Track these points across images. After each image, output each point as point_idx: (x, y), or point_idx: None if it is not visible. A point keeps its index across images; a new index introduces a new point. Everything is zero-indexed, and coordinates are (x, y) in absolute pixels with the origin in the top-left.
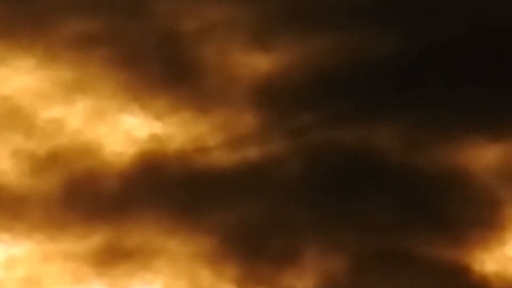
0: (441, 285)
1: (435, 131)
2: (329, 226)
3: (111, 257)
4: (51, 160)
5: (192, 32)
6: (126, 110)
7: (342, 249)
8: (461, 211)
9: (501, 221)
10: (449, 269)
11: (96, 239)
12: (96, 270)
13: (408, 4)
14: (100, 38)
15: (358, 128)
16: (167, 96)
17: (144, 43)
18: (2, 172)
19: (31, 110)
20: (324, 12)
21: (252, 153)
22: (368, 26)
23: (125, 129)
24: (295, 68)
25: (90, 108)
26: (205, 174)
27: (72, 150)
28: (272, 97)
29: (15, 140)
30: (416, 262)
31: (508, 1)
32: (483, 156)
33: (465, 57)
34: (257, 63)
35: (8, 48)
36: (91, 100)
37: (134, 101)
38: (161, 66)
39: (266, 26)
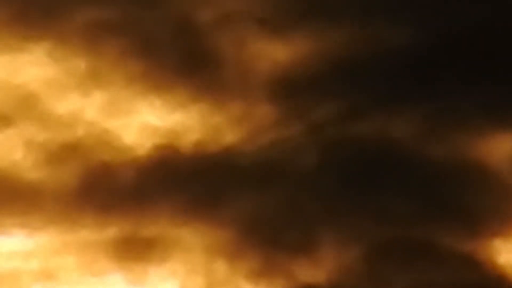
0: (458, 275)
1: (452, 122)
2: (346, 218)
3: (127, 249)
4: (67, 151)
5: (209, 22)
6: (142, 100)
7: (358, 241)
8: (479, 201)
9: None
10: (466, 260)
11: (112, 230)
12: (112, 262)
13: None
14: (116, 27)
15: (375, 119)
16: (184, 87)
17: (160, 32)
18: (17, 163)
19: (46, 100)
20: (341, 3)
21: (269, 144)
22: (385, 17)
23: (141, 120)
24: (312, 60)
25: (105, 98)
26: (221, 165)
27: (88, 141)
28: (290, 89)
29: (30, 131)
30: (433, 253)
31: None
32: (501, 147)
33: (481, 47)
34: (275, 54)
35: (22, 37)
36: (107, 90)
37: (150, 91)
38: (178, 56)
39: (284, 17)
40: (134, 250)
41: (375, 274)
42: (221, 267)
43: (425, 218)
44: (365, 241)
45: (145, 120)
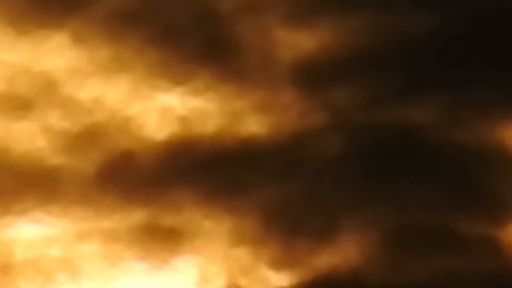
0: (479, 261)
1: (475, 109)
2: (368, 205)
3: (147, 237)
4: (88, 138)
5: (231, 9)
6: (164, 88)
7: (380, 228)
8: (500, 187)
9: None
10: (487, 245)
11: (132, 218)
12: (132, 250)
13: None
14: (138, 15)
15: (398, 107)
16: (206, 74)
17: (182, 20)
18: (37, 150)
19: (68, 87)
20: None
21: (291, 132)
22: (408, 4)
23: (162, 107)
24: (335, 47)
25: (127, 85)
26: (243, 153)
27: (109, 128)
28: (312, 77)
29: (51, 118)
30: (454, 239)
31: None
32: None
33: (504, 34)
34: (297, 41)
35: (43, 24)
36: (129, 77)
37: (172, 79)
38: (200, 44)
39: (306, 4)
40: (155, 238)
41: (397, 262)
42: (242, 256)
43: (447, 204)
44: (386, 228)
45: (167, 107)
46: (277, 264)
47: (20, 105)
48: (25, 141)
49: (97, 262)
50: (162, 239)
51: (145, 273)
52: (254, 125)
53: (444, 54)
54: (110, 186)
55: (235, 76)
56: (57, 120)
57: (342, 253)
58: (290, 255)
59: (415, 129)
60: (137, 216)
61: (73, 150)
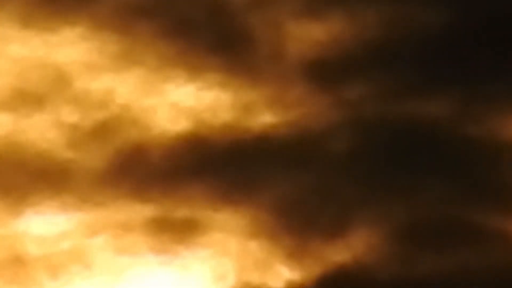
0: (494, 255)
1: (488, 102)
2: (381, 199)
3: (159, 230)
4: (99, 132)
5: (243, 3)
6: (176, 81)
7: (393, 222)
8: None
9: None
10: (502, 239)
11: (145, 211)
12: (143, 243)
13: None
14: (149, 8)
15: (410, 100)
16: (218, 67)
17: (194, 13)
18: (49, 143)
19: (79, 81)
20: None
21: (303, 125)
22: None
23: (174, 100)
24: (347, 40)
25: (139, 79)
26: (255, 147)
27: (121, 122)
28: (324, 69)
29: (63, 112)
30: (469, 233)
31: None
32: None
33: None
34: (309, 34)
35: (54, 17)
36: (140, 71)
37: (183, 72)
38: (212, 37)
39: None
40: (168, 232)
41: (409, 256)
42: (255, 250)
43: (459, 197)
44: (399, 222)
45: (178, 101)
46: (290, 258)
47: (32, 100)
48: (37, 136)
49: (109, 256)
50: (174, 233)
51: (157, 266)
52: (266, 119)
53: (457, 48)
54: (122, 179)
55: (247, 69)
56: (68, 114)
57: (355, 247)
58: (302, 249)
59: (428, 123)
60: (149, 209)
61: (85, 144)
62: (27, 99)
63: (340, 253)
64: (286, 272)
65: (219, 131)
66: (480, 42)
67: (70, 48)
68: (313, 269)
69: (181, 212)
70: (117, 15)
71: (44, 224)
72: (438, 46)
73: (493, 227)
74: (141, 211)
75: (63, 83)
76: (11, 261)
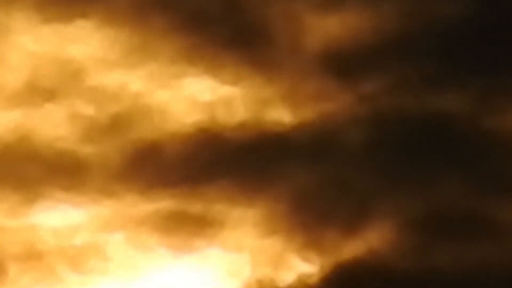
0: (510, 248)
1: (506, 95)
2: (398, 193)
3: (173, 225)
4: (113, 126)
5: None
6: (190, 75)
7: (410, 216)
8: None
9: None
10: None
11: (158, 206)
12: (157, 237)
13: None
14: (164, 1)
15: (429, 93)
16: (233, 61)
17: (209, 6)
18: (62, 138)
19: (92, 75)
20: None
21: (319, 118)
22: None
23: (188, 94)
24: (364, 33)
25: (153, 73)
26: (271, 141)
27: (134, 115)
28: (341, 63)
29: (76, 105)
30: (486, 226)
31: None
32: None
33: None
34: (326, 28)
35: (68, 11)
36: (154, 65)
37: (198, 66)
38: (227, 30)
39: None
40: (180, 226)
41: (426, 249)
42: (270, 244)
43: (477, 191)
44: (416, 216)
45: (193, 95)
46: (305, 253)
47: (45, 93)
48: (51, 129)
49: (123, 250)
50: (189, 228)
51: (172, 261)
52: (282, 113)
53: (475, 41)
54: (136, 173)
55: (263, 63)
56: (82, 108)
57: (371, 240)
58: (318, 243)
59: (446, 115)
60: (162, 203)
61: (99, 138)
62: (40, 92)
63: (356, 246)
64: (301, 267)
65: (235, 125)
66: (498, 34)
67: (84, 42)
68: (329, 263)
69: (196, 207)
70: (131, 9)
71: (59, 218)
72: (456, 38)
73: (509, 220)
74: (156, 205)
75: (76, 76)
76: (27, 254)
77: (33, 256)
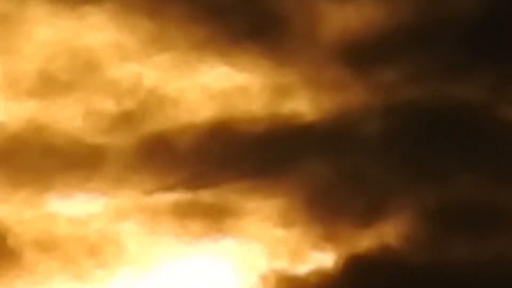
0: None
1: None
2: (414, 184)
3: (188, 215)
4: (128, 117)
5: None
6: (207, 65)
7: (426, 208)
8: None
9: None
10: None
11: (173, 196)
12: (171, 227)
13: None
14: None
15: (445, 83)
16: (250, 51)
17: None
18: (77, 129)
19: (108, 64)
20: None
21: (336, 108)
22: None
23: (205, 84)
24: (382, 22)
25: (169, 63)
26: (286, 130)
27: (149, 106)
28: (358, 52)
29: (91, 96)
30: (503, 219)
31: None
32: None
33: None
34: (344, 16)
35: (83, 1)
36: (170, 55)
37: (214, 55)
38: (244, 18)
39: None
40: (197, 218)
41: (442, 242)
42: (286, 236)
43: (494, 182)
44: (432, 208)
45: (210, 85)
46: (322, 244)
47: (60, 84)
48: (66, 121)
49: (138, 239)
50: (204, 219)
51: (186, 252)
52: (298, 103)
53: (493, 31)
54: (151, 164)
55: (279, 53)
56: (97, 98)
57: (388, 233)
58: (335, 235)
59: (463, 106)
60: (176, 194)
61: (114, 129)
62: (55, 83)
63: (373, 238)
64: (318, 259)
65: (251, 115)
66: None
67: (99, 32)
68: (346, 255)
69: (211, 198)
70: None
71: (74, 207)
72: (473, 28)
73: None
74: (171, 195)
75: (92, 67)
76: (43, 243)
77: (49, 245)
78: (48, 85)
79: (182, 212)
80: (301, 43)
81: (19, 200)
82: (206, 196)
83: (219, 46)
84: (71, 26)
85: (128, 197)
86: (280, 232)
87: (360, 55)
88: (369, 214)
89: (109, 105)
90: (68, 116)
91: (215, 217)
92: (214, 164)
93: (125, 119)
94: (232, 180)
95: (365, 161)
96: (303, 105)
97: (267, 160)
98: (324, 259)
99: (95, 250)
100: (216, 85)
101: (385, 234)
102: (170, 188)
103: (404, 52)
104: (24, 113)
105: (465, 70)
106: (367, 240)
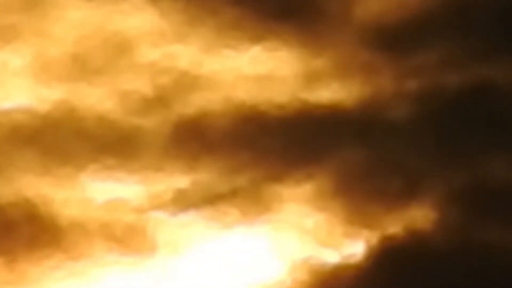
0: None
1: None
2: (445, 169)
3: (221, 201)
4: (160, 100)
5: None
6: (238, 48)
7: (457, 192)
8: None
9: None
10: None
11: (204, 182)
12: (205, 213)
13: None
14: None
15: (476, 67)
16: (281, 33)
17: None
18: (110, 111)
19: (139, 47)
20: None
21: (367, 94)
22: None
23: (237, 67)
24: (410, 7)
25: (200, 46)
26: (318, 116)
27: (182, 89)
28: (390, 36)
29: (123, 78)
30: None
31: None
32: None
33: None
34: (371, 1)
35: None
36: (202, 37)
37: (246, 39)
38: (276, 1)
39: None
40: (229, 202)
41: (473, 226)
42: (318, 221)
43: None
44: (463, 192)
45: (242, 68)
46: (353, 231)
47: (93, 67)
48: (98, 104)
49: (171, 226)
50: (237, 204)
51: (218, 239)
52: (330, 87)
53: None
54: (183, 147)
55: (311, 36)
56: (129, 81)
57: (419, 217)
58: (366, 221)
59: (493, 90)
60: (209, 176)
61: (146, 112)
62: (87, 66)
63: (404, 224)
64: (348, 246)
65: (282, 99)
66: None
67: (131, 15)
68: (377, 242)
69: (242, 182)
70: None
71: (106, 193)
72: (504, 13)
73: None
74: (202, 181)
75: (124, 49)
76: (73, 228)
77: (79, 229)
78: (81, 68)
79: (215, 198)
80: (333, 26)
81: (50, 182)
82: (237, 181)
83: (250, 30)
84: (104, 9)
85: (161, 182)
86: (311, 219)
87: (392, 39)
88: (400, 199)
89: (141, 88)
90: (101, 100)
91: (247, 204)
92: (246, 148)
93: (158, 102)
94: (264, 165)
95: (396, 145)
96: (335, 89)
97: (298, 144)
98: (355, 246)
99: (126, 235)
100: (248, 68)
101: (416, 219)
102: (203, 172)
103: (437, 37)
104: (57, 97)
105: (495, 54)
106: (398, 226)
